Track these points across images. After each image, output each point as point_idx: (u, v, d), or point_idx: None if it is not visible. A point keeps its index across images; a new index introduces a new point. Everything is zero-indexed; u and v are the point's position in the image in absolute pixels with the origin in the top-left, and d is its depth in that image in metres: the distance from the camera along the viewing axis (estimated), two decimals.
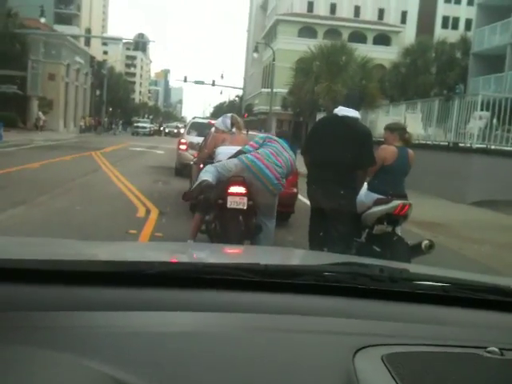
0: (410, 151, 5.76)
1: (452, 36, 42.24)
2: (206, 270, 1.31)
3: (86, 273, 1.21)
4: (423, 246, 5.17)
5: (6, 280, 1.14)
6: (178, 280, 1.23)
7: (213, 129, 7.27)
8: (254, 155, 5.54)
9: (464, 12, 54.84)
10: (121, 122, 67.16)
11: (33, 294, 1.13)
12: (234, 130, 6.34)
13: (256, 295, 1.24)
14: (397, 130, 5.76)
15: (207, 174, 5.51)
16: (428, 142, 15.30)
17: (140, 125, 59.94)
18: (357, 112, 5.24)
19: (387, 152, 5.52)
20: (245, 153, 5.70)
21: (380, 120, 17.38)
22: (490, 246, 7.82)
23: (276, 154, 5.60)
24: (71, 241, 2.07)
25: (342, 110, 5.22)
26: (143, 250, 2.09)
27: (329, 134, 5.22)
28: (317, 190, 5.22)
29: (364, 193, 5.46)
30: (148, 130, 58.52)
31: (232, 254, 2.21)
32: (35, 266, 1.20)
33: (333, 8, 56.85)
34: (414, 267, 2.35)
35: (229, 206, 5.57)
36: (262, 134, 6.00)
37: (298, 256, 2.28)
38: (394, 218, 5.37)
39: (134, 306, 1.12)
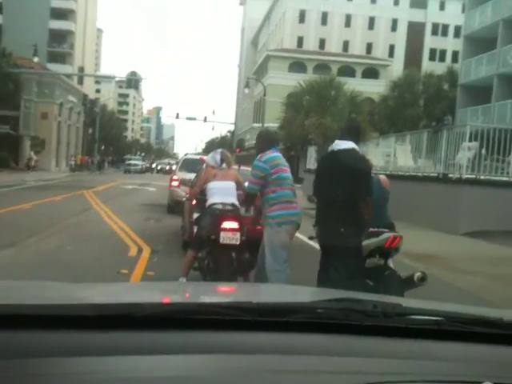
0: (382, 177, 5.82)
1: (439, 68, 43.10)
2: (198, 310, 1.30)
3: (77, 317, 1.19)
4: (415, 278, 5.14)
5: None
6: (170, 321, 1.21)
7: (204, 164, 7.25)
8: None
9: (451, 44, 56.14)
10: (109, 159, 67.13)
11: (23, 341, 1.10)
12: (224, 165, 6.29)
13: (249, 335, 1.22)
14: None
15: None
16: (418, 174, 15.38)
17: (132, 162, 59.83)
18: (351, 142, 4.99)
19: None
20: (254, 194, 5.61)
21: (371, 152, 17.46)
22: (483, 278, 7.78)
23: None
24: (61, 283, 2.04)
25: (336, 145, 5.06)
26: (134, 292, 2.08)
27: (326, 172, 5.11)
28: (320, 229, 5.16)
29: None
30: (140, 167, 58.40)
31: (224, 292, 2.20)
32: (24, 312, 1.18)
33: (322, 43, 58.06)
34: (407, 301, 2.34)
35: (222, 241, 5.54)
36: (260, 163, 5.49)
37: (290, 293, 2.26)
38: (385, 251, 5.35)
39: (125, 350, 1.11)
